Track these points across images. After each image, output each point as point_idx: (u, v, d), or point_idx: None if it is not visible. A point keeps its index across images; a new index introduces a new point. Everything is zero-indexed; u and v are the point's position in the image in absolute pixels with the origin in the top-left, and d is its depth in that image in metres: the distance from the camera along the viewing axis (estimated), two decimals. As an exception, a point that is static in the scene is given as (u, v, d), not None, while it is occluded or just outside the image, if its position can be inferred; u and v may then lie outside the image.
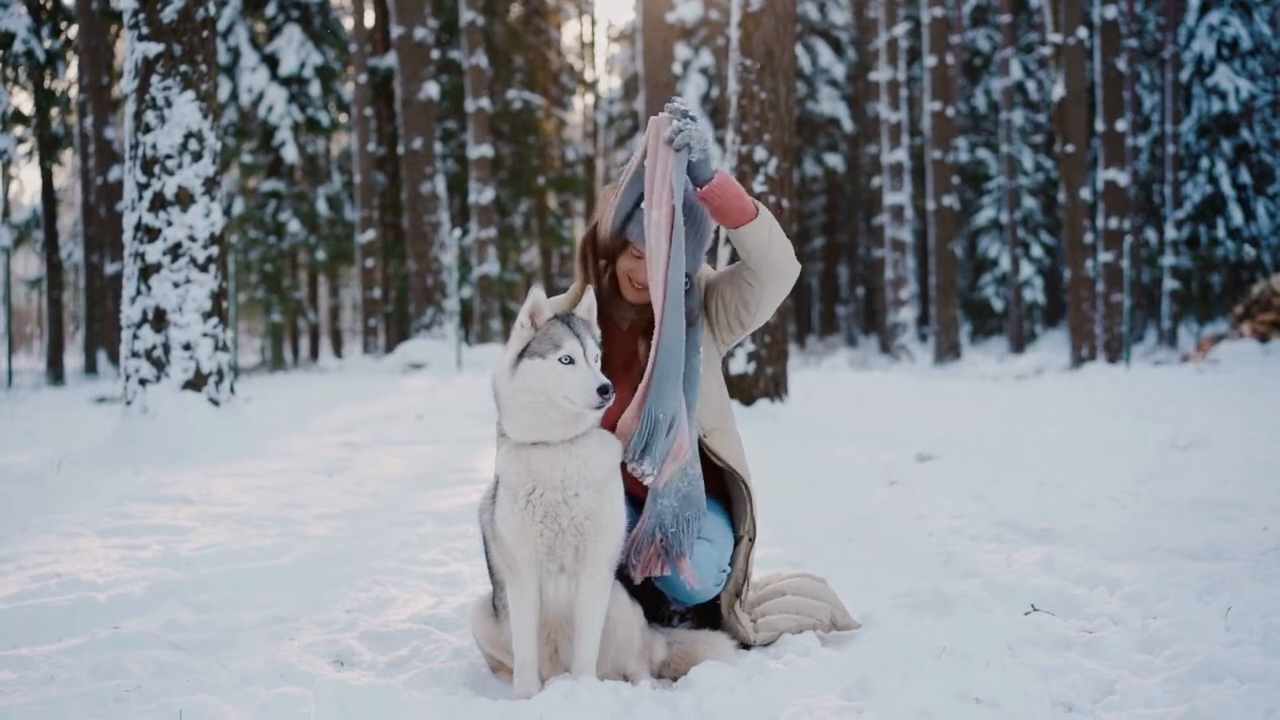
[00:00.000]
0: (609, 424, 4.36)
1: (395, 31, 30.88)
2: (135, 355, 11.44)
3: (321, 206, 37.71)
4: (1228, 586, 5.36)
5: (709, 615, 4.79)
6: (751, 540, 4.76)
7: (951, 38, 40.03)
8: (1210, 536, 6.66)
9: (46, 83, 31.25)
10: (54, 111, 32.62)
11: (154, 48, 11.44)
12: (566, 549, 4.15)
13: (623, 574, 4.39)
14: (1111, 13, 30.89)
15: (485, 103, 33.12)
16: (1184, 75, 40.76)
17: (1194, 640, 4.50)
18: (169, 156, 11.47)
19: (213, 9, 11.70)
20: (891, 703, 3.90)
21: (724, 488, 4.83)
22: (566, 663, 4.32)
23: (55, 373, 31.53)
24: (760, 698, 4.00)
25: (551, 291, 49.79)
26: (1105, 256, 31.00)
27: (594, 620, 4.19)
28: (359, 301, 39.42)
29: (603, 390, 3.99)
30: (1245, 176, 39.76)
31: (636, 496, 4.52)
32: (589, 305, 4.26)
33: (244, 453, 11.02)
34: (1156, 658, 4.38)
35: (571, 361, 4.03)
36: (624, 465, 4.32)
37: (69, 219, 50.49)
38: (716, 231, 4.87)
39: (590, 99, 57.45)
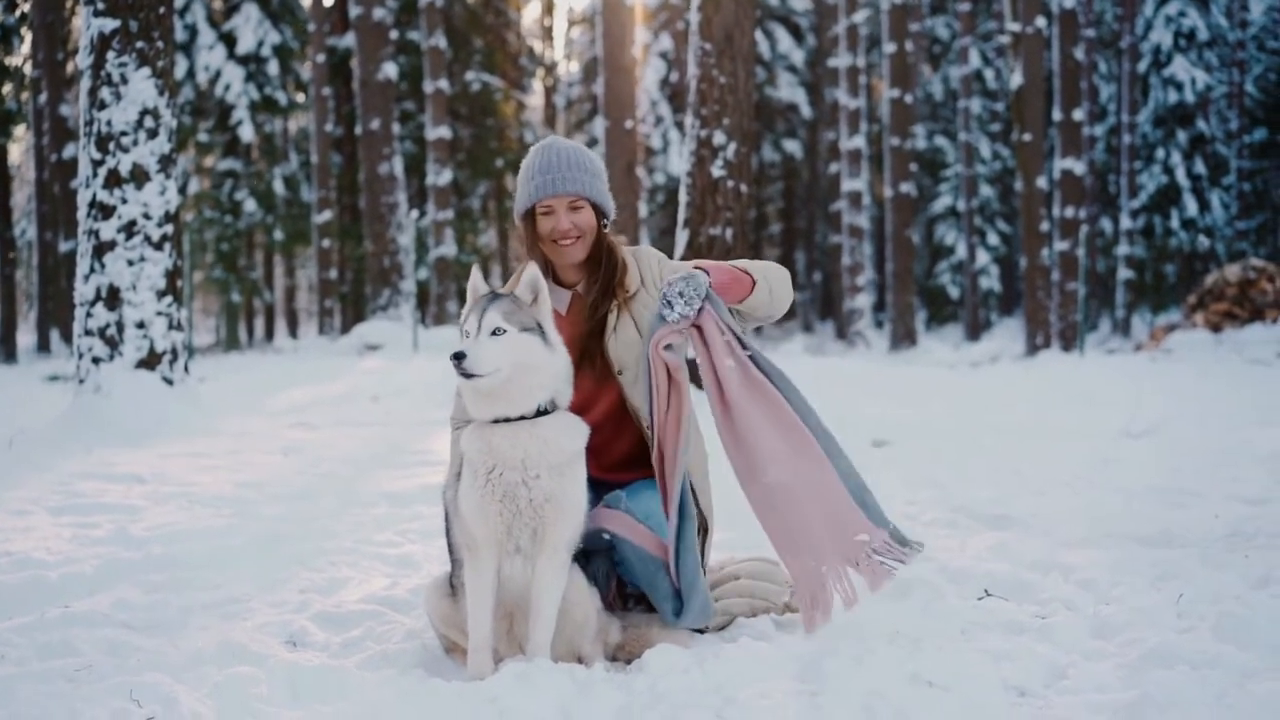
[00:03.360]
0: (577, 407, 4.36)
1: (354, 11, 30.81)
2: (88, 333, 11.36)
3: (278, 186, 37.57)
4: (1180, 573, 5.39)
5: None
6: (705, 533, 4.77)
7: (911, 25, 40.07)
8: (1163, 523, 6.70)
9: (0, 58, 30.96)
10: (8, 87, 32.32)
11: (110, 23, 11.34)
12: (524, 530, 4.15)
13: (579, 557, 4.38)
14: (1070, 2, 31.03)
15: (444, 84, 32.97)
16: (1141, 66, 40.99)
17: (1146, 626, 4.52)
18: (124, 133, 11.38)
19: (170, -15, 11.63)
20: (845, 685, 3.90)
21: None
22: (521, 641, 4.31)
23: (7, 350, 31.39)
24: (714, 680, 4.00)
25: (507, 273, 49.73)
26: (1061, 245, 31.18)
27: (550, 603, 4.18)
28: (315, 282, 39.23)
29: (455, 357, 4.00)
30: (1200, 167, 40.02)
31: (595, 480, 4.51)
32: (529, 280, 4.21)
33: (197, 432, 10.97)
34: (1109, 643, 4.39)
35: (468, 336, 4.06)
36: (588, 450, 4.33)
37: (23, 196, 50.13)
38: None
39: (549, 82, 57.33)
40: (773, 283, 4.71)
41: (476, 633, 4.17)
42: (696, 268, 4.49)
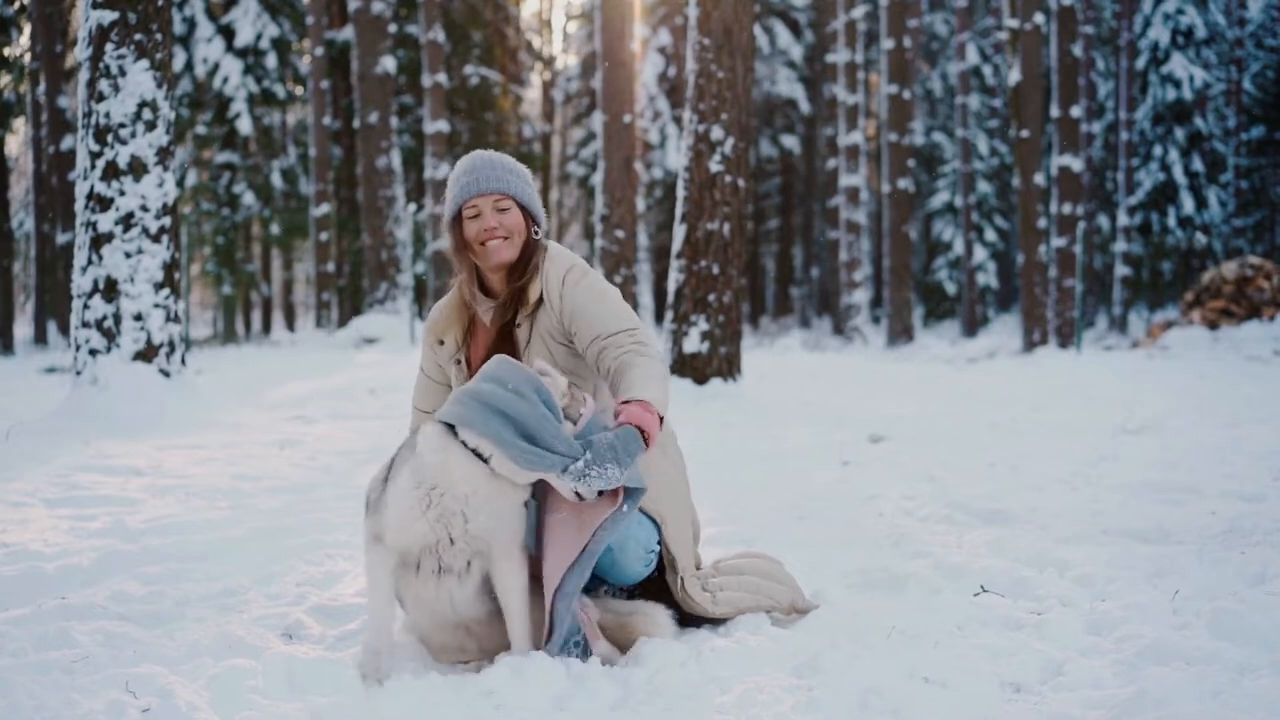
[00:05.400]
0: None
1: (353, 4, 30.75)
2: (86, 325, 11.34)
3: (276, 179, 37.59)
4: (1176, 569, 5.40)
5: (646, 588, 4.75)
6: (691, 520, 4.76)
7: (909, 21, 40.04)
8: (1159, 519, 6.71)
9: (-1, 49, 30.98)
10: (6, 79, 32.31)
11: (109, 15, 11.32)
12: (456, 557, 4.14)
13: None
14: (1069, -1, 31.03)
15: (442, 78, 32.99)
16: (1139, 63, 41.04)
17: (1142, 622, 4.52)
18: (122, 125, 11.36)
19: (168, -23, 11.61)
20: (841, 681, 3.90)
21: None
22: (484, 645, 4.34)
23: (4, 343, 31.38)
24: (711, 675, 4.00)
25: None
26: (1058, 242, 31.18)
27: (519, 599, 4.19)
28: (312, 275, 39.19)
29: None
30: (1197, 164, 40.10)
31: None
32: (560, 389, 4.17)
33: (194, 425, 10.95)
34: (1105, 639, 4.39)
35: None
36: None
37: (20, 188, 50.09)
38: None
39: (548, 76, 57.31)
40: (667, 395, 4.36)
41: (374, 629, 4.17)
42: (627, 407, 4.17)
